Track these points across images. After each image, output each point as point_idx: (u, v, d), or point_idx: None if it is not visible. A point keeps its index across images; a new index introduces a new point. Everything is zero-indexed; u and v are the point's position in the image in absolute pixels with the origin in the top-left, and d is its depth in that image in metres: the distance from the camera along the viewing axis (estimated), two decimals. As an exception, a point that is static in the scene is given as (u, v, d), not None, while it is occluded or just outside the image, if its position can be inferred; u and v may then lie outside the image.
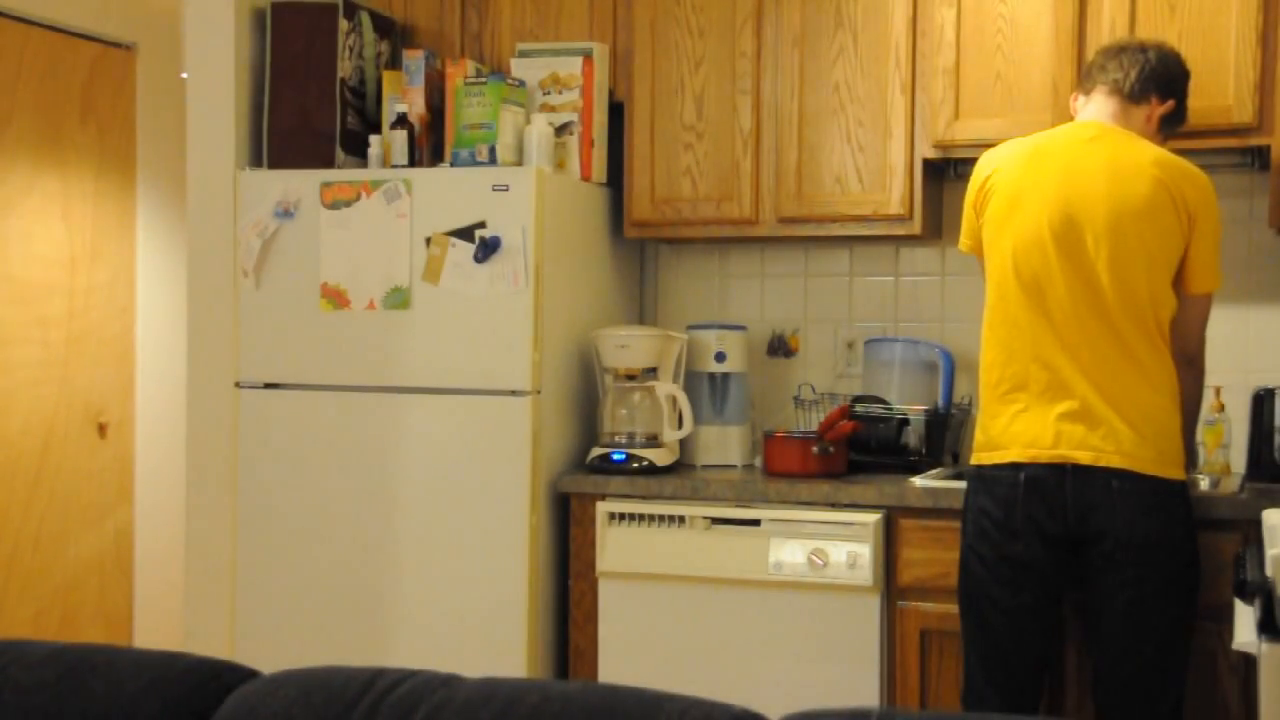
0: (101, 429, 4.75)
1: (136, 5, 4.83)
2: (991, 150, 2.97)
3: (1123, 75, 2.90)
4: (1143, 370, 2.78)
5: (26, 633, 4.37)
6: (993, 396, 2.85)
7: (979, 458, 2.87)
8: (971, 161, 3.59)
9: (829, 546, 3.21)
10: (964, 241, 3.01)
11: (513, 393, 3.40)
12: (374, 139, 3.65)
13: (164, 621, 4.81)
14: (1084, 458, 2.74)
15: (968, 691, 2.88)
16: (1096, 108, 2.92)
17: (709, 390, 3.73)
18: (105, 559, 4.77)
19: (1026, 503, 2.76)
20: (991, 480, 2.81)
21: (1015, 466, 2.78)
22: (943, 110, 3.40)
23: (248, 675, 1.65)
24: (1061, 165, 2.81)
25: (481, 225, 3.41)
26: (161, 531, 4.85)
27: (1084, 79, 3.00)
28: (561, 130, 3.66)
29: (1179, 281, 2.83)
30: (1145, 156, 2.81)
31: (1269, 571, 2.33)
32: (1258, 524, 2.75)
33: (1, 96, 4.38)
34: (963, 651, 2.91)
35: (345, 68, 3.70)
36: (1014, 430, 2.80)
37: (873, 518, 3.20)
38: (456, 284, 3.41)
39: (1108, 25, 3.26)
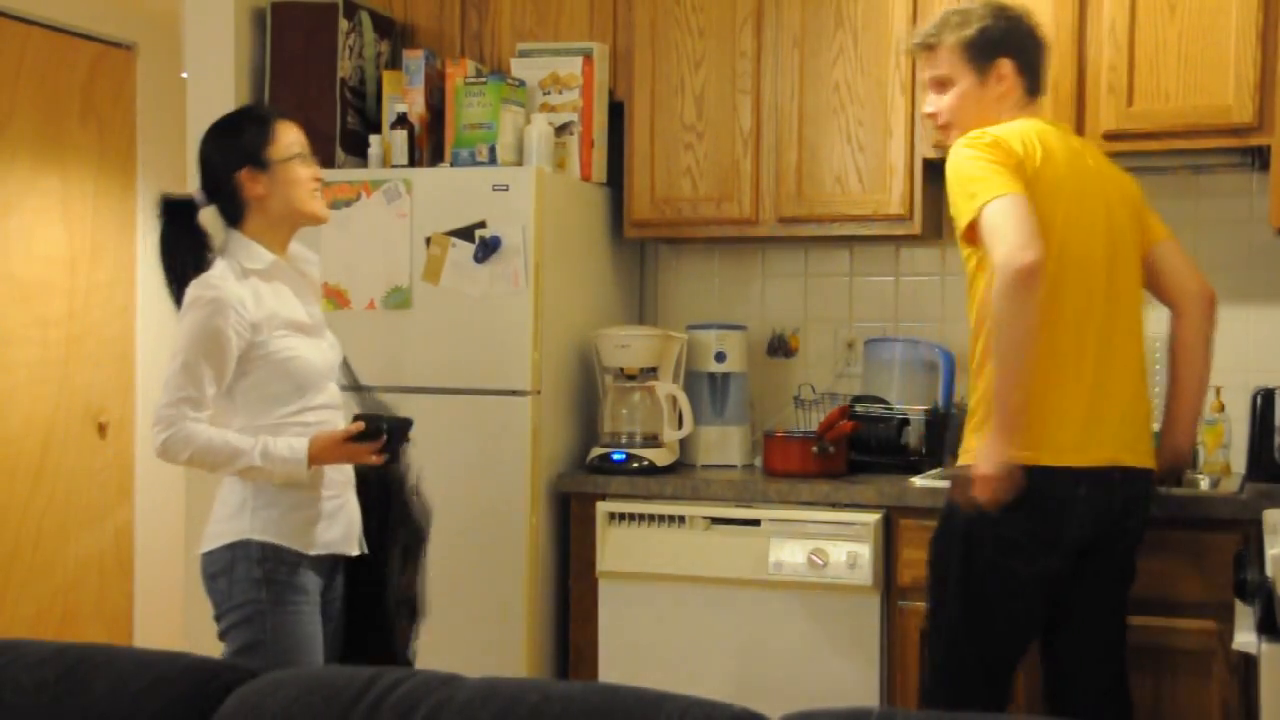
0: (101, 429, 4.75)
1: (136, 5, 4.83)
2: (1015, 127, 2.67)
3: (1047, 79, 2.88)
4: (1142, 364, 2.78)
5: (27, 632, 4.37)
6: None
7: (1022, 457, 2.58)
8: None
9: (829, 546, 3.21)
10: (1014, 184, 2.55)
11: (513, 392, 3.40)
12: (374, 139, 3.66)
13: (164, 621, 4.81)
14: (1129, 459, 2.68)
15: (957, 693, 2.72)
16: (1038, 107, 2.84)
17: (709, 390, 3.73)
18: (105, 558, 4.77)
19: (1079, 515, 2.62)
20: (1039, 493, 2.57)
21: (1071, 475, 2.59)
22: (943, 110, 3.40)
23: (248, 675, 1.65)
24: (1092, 161, 2.78)
25: (481, 225, 3.41)
26: (161, 531, 4.85)
27: (1039, 75, 2.83)
28: (561, 130, 3.66)
29: (1150, 240, 2.85)
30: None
31: (1269, 571, 2.34)
32: (1258, 524, 2.76)
33: (1, 96, 4.38)
34: (946, 653, 2.74)
35: (345, 67, 3.70)
36: (1064, 434, 2.59)
37: (873, 518, 3.20)
38: (456, 284, 3.41)
39: (1108, 25, 3.26)
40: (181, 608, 3.79)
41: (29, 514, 4.48)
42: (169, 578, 4.72)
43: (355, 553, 2.73)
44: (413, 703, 1.51)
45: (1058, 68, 3.30)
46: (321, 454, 2.59)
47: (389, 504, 2.79)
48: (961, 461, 2.70)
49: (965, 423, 2.76)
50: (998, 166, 2.57)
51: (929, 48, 2.81)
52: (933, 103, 2.84)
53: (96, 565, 4.74)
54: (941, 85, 2.80)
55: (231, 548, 2.58)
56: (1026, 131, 2.67)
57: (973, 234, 2.58)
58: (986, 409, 2.61)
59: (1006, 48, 2.76)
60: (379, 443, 2.62)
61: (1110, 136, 3.28)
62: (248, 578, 2.57)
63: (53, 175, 4.59)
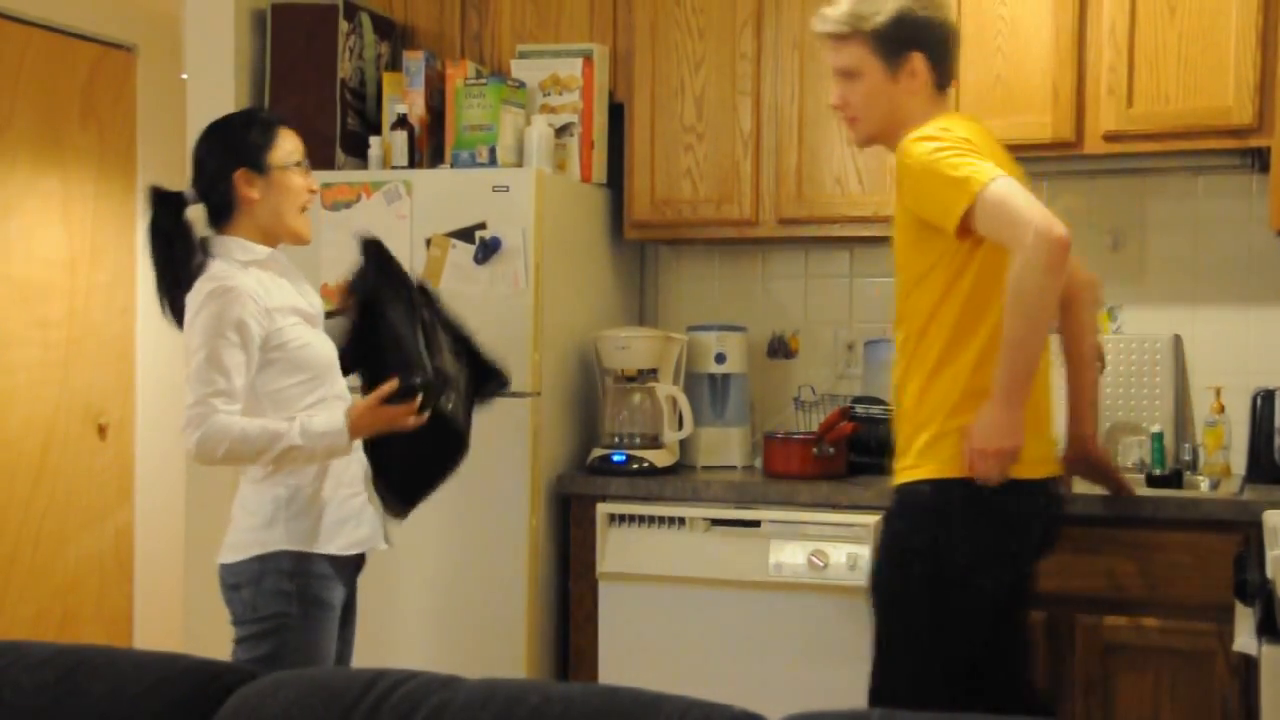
0: (101, 430, 4.75)
1: (137, 7, 4.84)
2: (963, 127, 2.56)
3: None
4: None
5: (26, 633, 4.37)
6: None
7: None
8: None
9: (829, 548, 3.21)
10: (989, 172, 2.41)
11: (513, 394, 3.39)
12: (374, 140, 3.66)
13: (163, 622, 4.81)
14: (1057, 468, 2.68)
15: (924, 704, 2.63)
16: (948, 99, 2.72)
17: (709, 391, 3.73)
18: (105, 559, 4.77)
19: (1039, 527, 2.59)
20: (1007, 508, 2.51)
21: (1034, 488, 2.54)
22: (943, 112, 3.39)
23: (248, 676, 1.65)
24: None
25: (482, 226, 3.41)
26: (161, 532, 4.85)
27: (950, 68, 2.67)
28: (561, 131, 3.66)
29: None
30: None
31: (1269, 573, 2.34)
32: (1258, 525, 2.76)
33: (2, 98, 4.38)
34: (912, 670, 2.58)
35: (345, 69, 3.70)
36: (1029, 446, 2.48)
37: (872, 519, 3.19)
38: (457, 285, 3.41)
39: (1107, 27, 3.26)
40: (180, 608, 3.79)
41: (29, 515, 4.48)
42: (169, 579, 4.73)
43: (384, 546, 2.74)
44: (413, 704, 1.51)
45: (1058, 70, 3.31)
46: (360, 421, 2.56)
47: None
48: (909, 478, 2.55)
49: (910, 438, 2.56)
50: (979, 156, 2.45)
51: (838, 37, 2.63)
52: (839, 95, 2.67)
53: (96, 566, 4.74)
54: (849, 76, 2.63)
55: (261, 559, 2.56)
56: (973, 130, 2.57)
57: (965, 227, 2.41)
58: (945, 421, 2.49)
59: (918, 42, 2.59)
60: (415, 402, 2.55)
61: (1110, 138, 3.29)
62: (276, 590, 2.54)
63: (53, 177, 4.59)
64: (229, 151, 2.64)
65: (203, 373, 2.49)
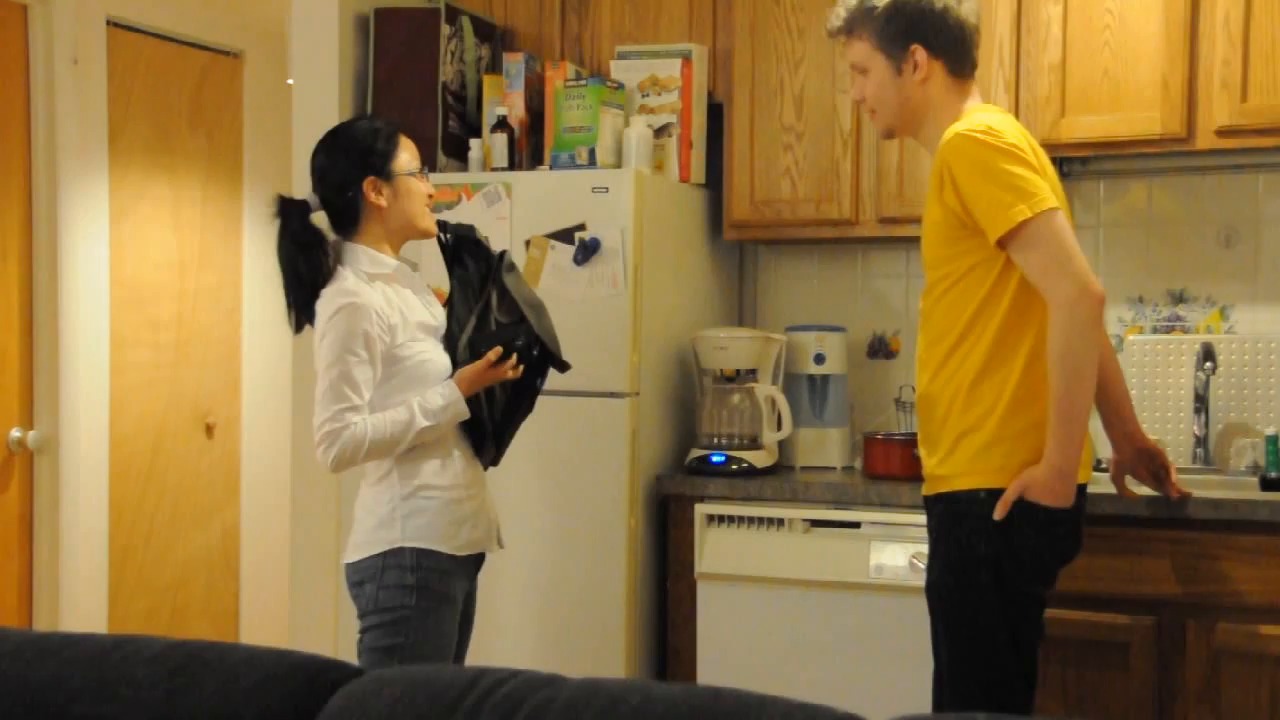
0: (209, 429, 4.85)
1: (244, 14, 4.93)
2: (1008, 124, 2.54)
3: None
4: None
5: (139, 627, 4.48)
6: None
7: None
8: (1078, 160, 3.54)
9: (931, 551, 3.17)
10: (1051, 200, 2.42)
11: (611, 394, 3.41)
12: (474, 142, 3.69)
13: (268, 618, 4.89)
14: (1090, 475, 2.61)
15: (1006, 703, 2.56)
16: (973, 87, 2.66)
17: (808, 392, 3.71)
18: (213, 557, 4.87)
19: (1079, 532, 2.57)
20: (1063, 513, 2.48)
21: (1081, 493, 2.53)
22: (1048, 108, 3.34)
23: (353, 673, 1.67)
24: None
25: (581, 227, 3.42)
26: (266, 530, 4.94)
27: (963, 56, 2.62)
28: (660, 132, 3.66)
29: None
30: None
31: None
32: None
33: (117, 105, 4.49)
34: (992, 676, 2.54)
35: (447, 72, 3.74)
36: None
37: (976, 522, 3.14)
38: (556, 286, 3.43)
39: (1221, 18, 3.18)
40: (285, 605, 3.85)
41: (141, 513, 4.59)
42: (274, 577, 4.81)
43: (497, 550, 2.84)
44: (515, 703, 1.51)
45: (1168, 64, 3.23)
46: (472, 386, 2.70)
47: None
48: (963, 486, 2.51)
49: (953, 443, 2.52)
50: (1035, 174, 2.43)
51: (845, 34, 2.66)
52: (857, 89, 2.69)
53: (204, 564, 4.84)
54: (861, 71, 2.66)
55: (383, 555, 2.65)
56: (1019, 129, 2.54)
57: (1012, 234, 2.40)
58: (999, 428, 2.48)
59: (916, 34, 2.57)
60: (514, 359, 2.74)
61: (1223, 133, 3.20)
62: (399, 584, 2.63)
63: (163, 181, 4.69)
64: (357, 159, 2.73)
65: (336, 388, 2.60)
